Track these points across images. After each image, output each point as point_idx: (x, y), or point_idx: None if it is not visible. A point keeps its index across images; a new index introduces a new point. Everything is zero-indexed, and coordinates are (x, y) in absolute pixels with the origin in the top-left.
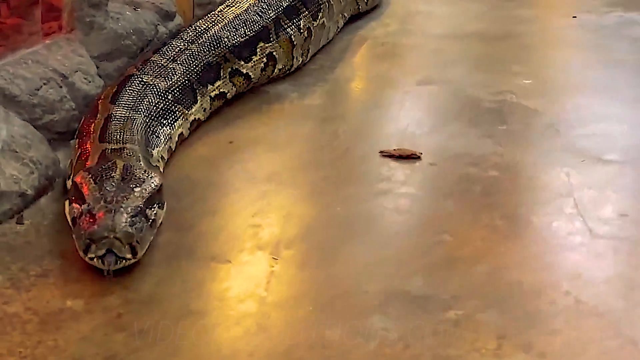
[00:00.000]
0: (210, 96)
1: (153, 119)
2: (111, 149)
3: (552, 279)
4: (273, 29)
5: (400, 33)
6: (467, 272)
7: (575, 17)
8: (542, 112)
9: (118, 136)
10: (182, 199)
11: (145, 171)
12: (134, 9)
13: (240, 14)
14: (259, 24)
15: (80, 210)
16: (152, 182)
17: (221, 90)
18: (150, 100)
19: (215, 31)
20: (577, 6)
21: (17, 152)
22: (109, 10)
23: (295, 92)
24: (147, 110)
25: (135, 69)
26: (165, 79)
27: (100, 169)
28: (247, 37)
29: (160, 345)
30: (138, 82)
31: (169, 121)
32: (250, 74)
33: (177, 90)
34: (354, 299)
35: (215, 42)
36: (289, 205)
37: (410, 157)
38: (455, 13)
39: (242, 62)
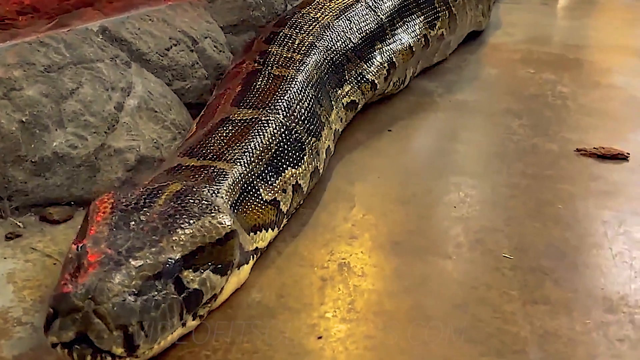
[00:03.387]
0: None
1: (297, 130)
2: (191, 165)
3: None
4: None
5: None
6: None
7: None
8: None
9: (213, 150)
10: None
11: (209, 206)
12: None
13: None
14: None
15: (73, 252)
16: (211, 225)
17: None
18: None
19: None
20: None
21: (156, 112)
22: None
23: (441, 88)
24: (287, 118)
25: (256, 64)
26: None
27: (134, 192)
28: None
29: None
30: (267, 75)
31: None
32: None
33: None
34: None
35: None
36: (493, 200)
37: (616, 156)
38: None
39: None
